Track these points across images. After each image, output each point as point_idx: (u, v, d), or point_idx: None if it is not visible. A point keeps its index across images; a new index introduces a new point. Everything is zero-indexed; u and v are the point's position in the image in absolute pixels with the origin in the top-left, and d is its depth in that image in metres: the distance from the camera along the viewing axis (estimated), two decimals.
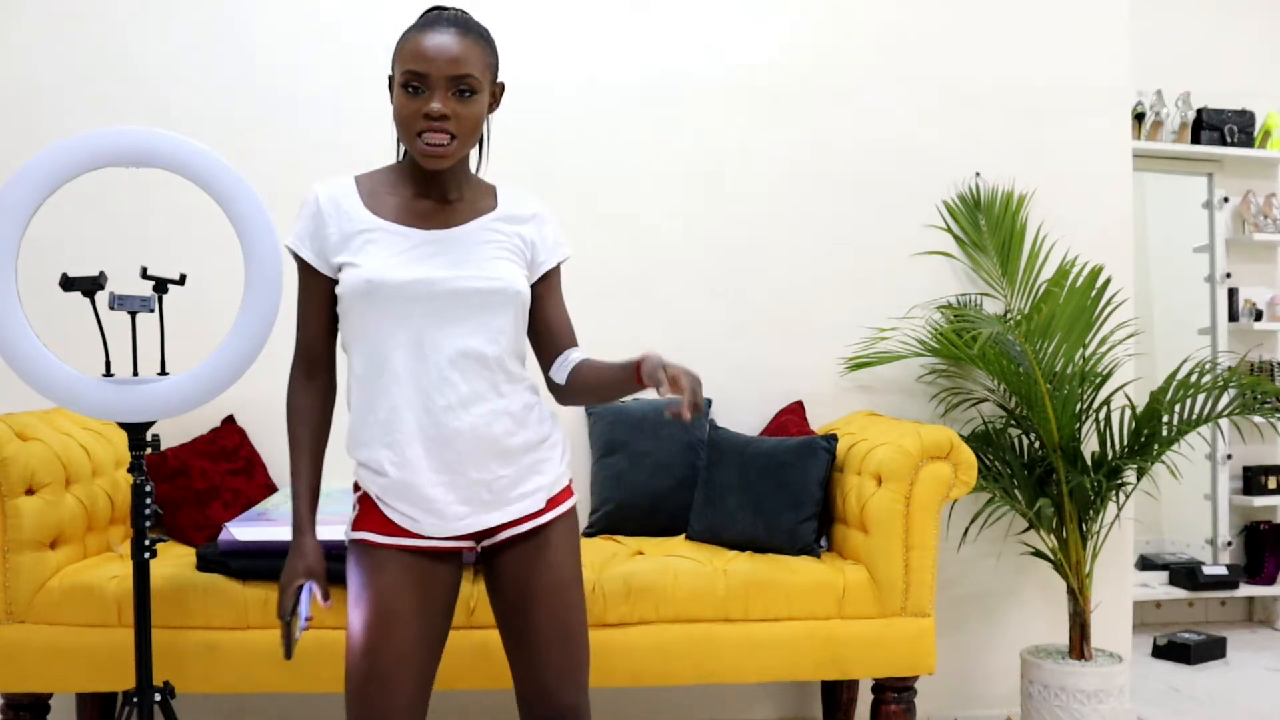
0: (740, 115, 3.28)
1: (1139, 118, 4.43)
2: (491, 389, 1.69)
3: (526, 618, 1.73)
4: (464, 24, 1.65)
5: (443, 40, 1.61)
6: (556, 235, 1.81)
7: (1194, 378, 2.97)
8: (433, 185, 1.72)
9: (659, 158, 3.25)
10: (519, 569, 1.74)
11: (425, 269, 1.65)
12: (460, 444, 1.66)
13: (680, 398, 1.52)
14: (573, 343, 1.81)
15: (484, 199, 1.77)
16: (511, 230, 1.75)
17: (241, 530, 2.45)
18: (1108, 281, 2.96)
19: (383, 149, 3.16)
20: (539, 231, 1.78)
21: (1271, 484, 4.47)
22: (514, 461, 1.71)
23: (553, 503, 1.77)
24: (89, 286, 2.16)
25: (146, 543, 2.18)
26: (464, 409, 1.66)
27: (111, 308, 2.19)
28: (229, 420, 3.03)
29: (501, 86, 1.73)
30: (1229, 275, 4.55)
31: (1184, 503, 4.52)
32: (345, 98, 3.14)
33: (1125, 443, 3.08)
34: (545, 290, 1.80)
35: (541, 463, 1.76)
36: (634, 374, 1.65)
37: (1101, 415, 3.10)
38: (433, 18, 1.65)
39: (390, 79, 1.65)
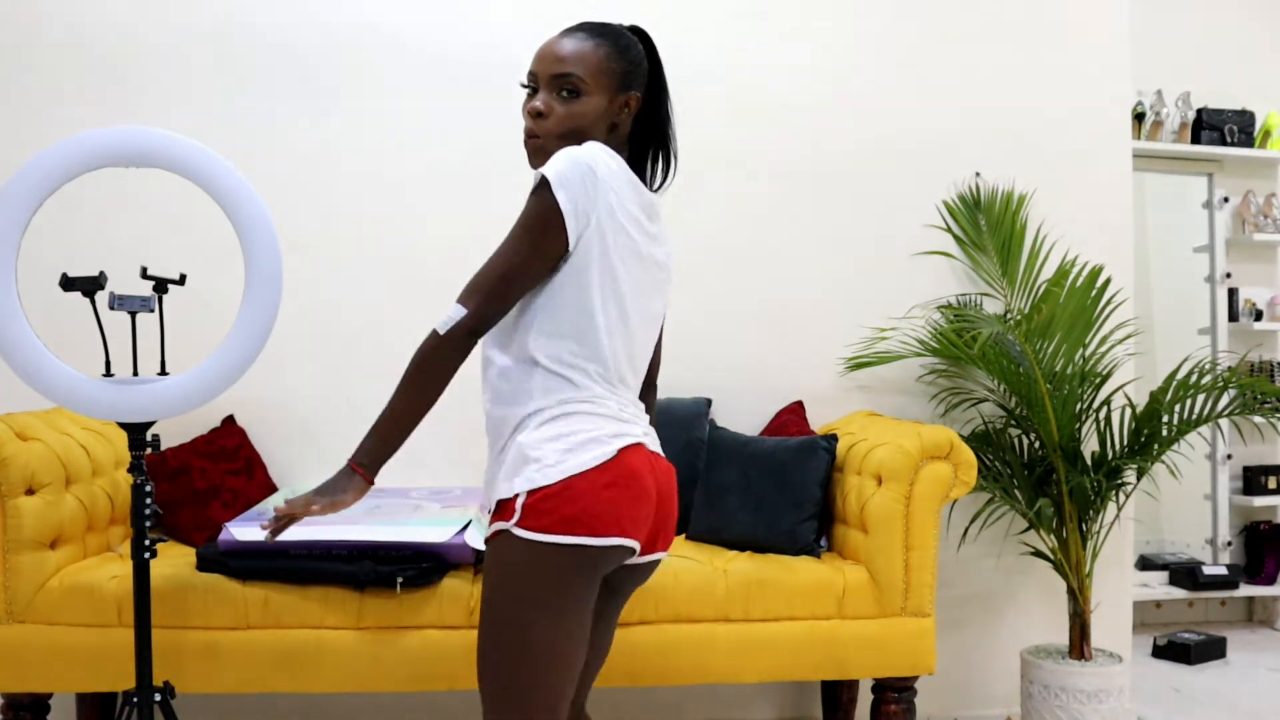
0: (740, 115, 3.28)
1: (1139, 118, 4.43)
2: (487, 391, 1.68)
3: None
4: (590, 29, 1.66)
5: (556, 42, 1.64)
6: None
7: (1194, 378, 2.97)
8: None
9: None
10: None
11: None
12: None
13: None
14: (459, 296, 1.57)
15: None
16: None
17: (241, 530, 2.45)
18: (1108, 281, 2.96)
19: (383, 149, 3.17)
20: None
21: (1271, 484, 4.47)
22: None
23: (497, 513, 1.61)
24: (89, 286, 2.15)
25: (146, 543, 2.18)
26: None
27: (111, 308, 2.19)
28: (229, 420, 3.03)
29: (635, 98, 1.68)
30: (1229, 275, 4.55)
31: (1184, 503, 4.52)
32: (349, 99, 3.14)
33: (1125, 443, 3.08)
34: None
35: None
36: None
37: (1101, 415, 3.10)
38: (569, 27, 1.68)
39: None
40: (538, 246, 1.54)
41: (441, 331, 1.52)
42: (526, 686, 1.54)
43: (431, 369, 1.52)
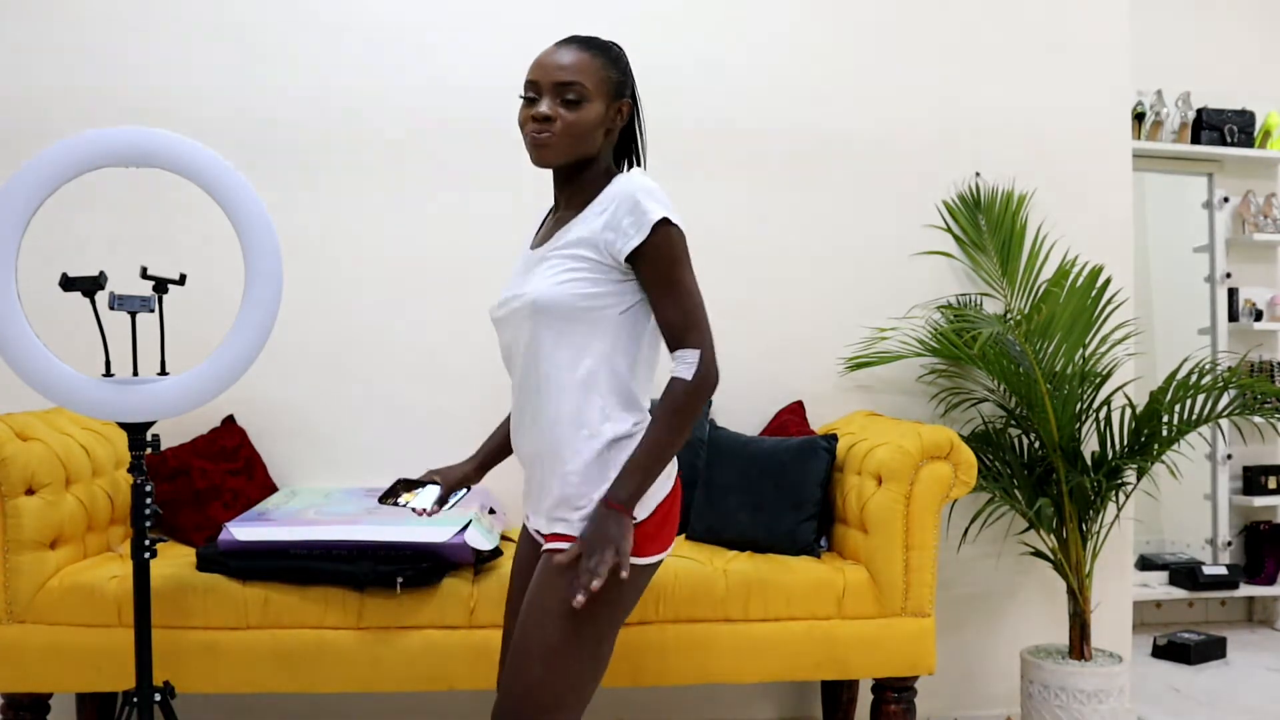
0: (740, 114, 3.28)
1: (1139, 118, 4.43)
2: (536, 409, 1.74)
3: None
4: (584, 41, 1.75)
5: (554, 53, 1.72)
6: (626, 220, 1.67)
7: (1194, 378, 2.97)
8: (557, 201, 1.82)
9: (658, 157, 3.24)
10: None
11: (501, 294, 1.80)
12: (522, 457, 1.82)
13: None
14: (675, 345, 1.69)
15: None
16: (579, 234, 1.71)
17: (241, 530, 2.45)
18: (1108, 281, 2.96)
19: (382, 149, 3.17)
20: (613, 220, 1.68)
21: (1271, 484, 4.47)
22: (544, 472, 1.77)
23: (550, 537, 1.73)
24: (89, 286, 2.15)
25: (146, 543, 2.18)
26: (520, 429, 1.78)
27: (111, 308, 2.19)
28: (229, 420, 3.03)
29: (629, 105, 1.78)
30: (1229, 275, 4.55)
31: (1184, 503, 4.52)
32: (348, 98, 3.14)
33: (1125, 443, 3.08)
34: (644, 286, 1.71)
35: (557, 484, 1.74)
36: None
37: (1101, 415, 3.10)
38: (561, 39, 1.76)
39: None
40: (692, 270, 1.71)
41: (698, 377, 1.66)
42: (588, 684, 1.67)
43: (696, 409, 1.67)
